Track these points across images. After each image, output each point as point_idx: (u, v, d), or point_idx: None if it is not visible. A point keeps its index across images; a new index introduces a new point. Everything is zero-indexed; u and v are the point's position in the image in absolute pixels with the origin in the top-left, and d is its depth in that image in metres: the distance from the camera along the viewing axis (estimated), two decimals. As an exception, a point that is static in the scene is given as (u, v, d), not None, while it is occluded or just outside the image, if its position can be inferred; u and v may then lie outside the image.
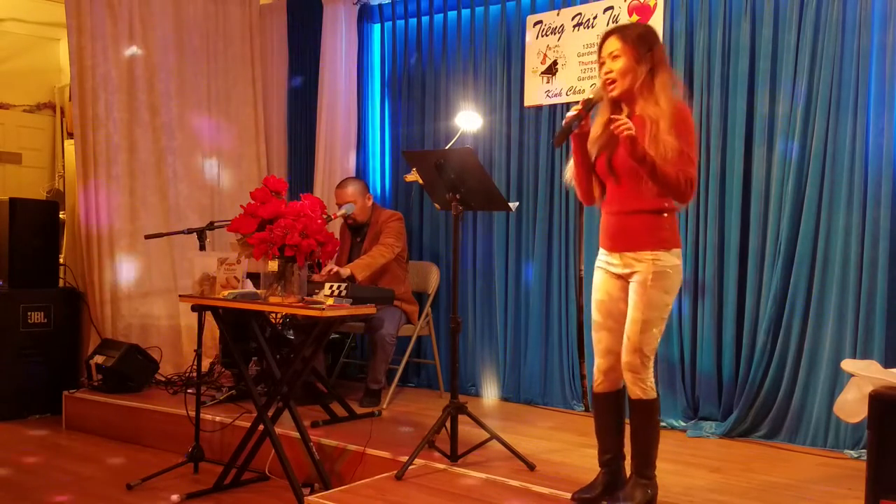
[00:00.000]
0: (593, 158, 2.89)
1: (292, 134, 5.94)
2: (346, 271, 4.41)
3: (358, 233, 4.90)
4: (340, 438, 3.78)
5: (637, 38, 2.76)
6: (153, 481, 3.74)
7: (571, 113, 2.79)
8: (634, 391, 2.85)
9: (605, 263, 2.94)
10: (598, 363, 2.97)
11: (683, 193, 2.75)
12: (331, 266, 4.39)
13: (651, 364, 2.84)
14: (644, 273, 2.79)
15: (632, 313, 2.82)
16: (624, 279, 2.88)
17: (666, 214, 2.82)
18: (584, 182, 2.95)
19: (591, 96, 2.83)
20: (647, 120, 2.73)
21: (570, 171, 2.98)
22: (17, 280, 5.10)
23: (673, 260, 2.82)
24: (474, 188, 3.48)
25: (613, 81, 2.78)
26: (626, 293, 2.87)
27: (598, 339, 2.96)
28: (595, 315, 2.96)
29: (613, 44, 2.78)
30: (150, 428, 4.48)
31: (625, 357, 2.84)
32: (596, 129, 2.87)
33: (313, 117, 5.69)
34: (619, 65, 2.76)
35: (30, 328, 5.05)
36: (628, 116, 2.79)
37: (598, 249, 3.00)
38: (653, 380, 2.86)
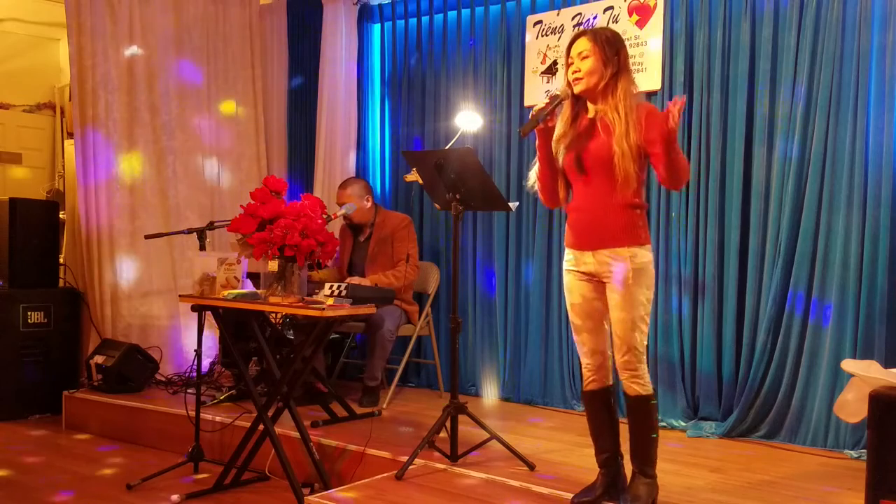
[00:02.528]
0: (560, 157, 2.91)
1: (292, 134, 5.94)
2: (367, 284, 4.47)
3: (360, 232, 4.90)
4: (340, 438, 3.78)
5: (606, 41, 2.84)
6: (153, 481, 3.74)
7: (539, 106, 2.84)
8: (633, 388, 2.85)
9: (573, 266, 2.94)
10: (587, 363, 2.97)
11: (684, 178, 2.81)
12: (356, 280, 4.47)
13: (645, 359, 2.85)
14: (623, 272, 2.80)
15: (618, 314, 2.82)
16: (596, 279, 2.88)
17: (639, 210, 2.85)
18: (549, 181, 2.97)
19: (558, 93, 2.89)
20: (605, 123, 2.82)
21: (533, 177, 3.02)
22: (17, 280, 5.10)
23: (648, 255, 2.85)
24: (474, 188, 3.48)
25: (579, 79, 2.84)
26: (600, 293, 2.88)
27: (582, 342, 2.96)
28: (573, 318, 2.97)
29: (583, 44, 2.85)
30: (150, 428, 4.48)
31: (620, 358, 2.85)
32: (560, 127, 2.91)
33: (313, 117, 5.69)
34: (587, 65, 2.83)
35: (30, 328, 5.05)
36: (591, 117, 2.88)
37: None
38: (648, 376, 2.87)
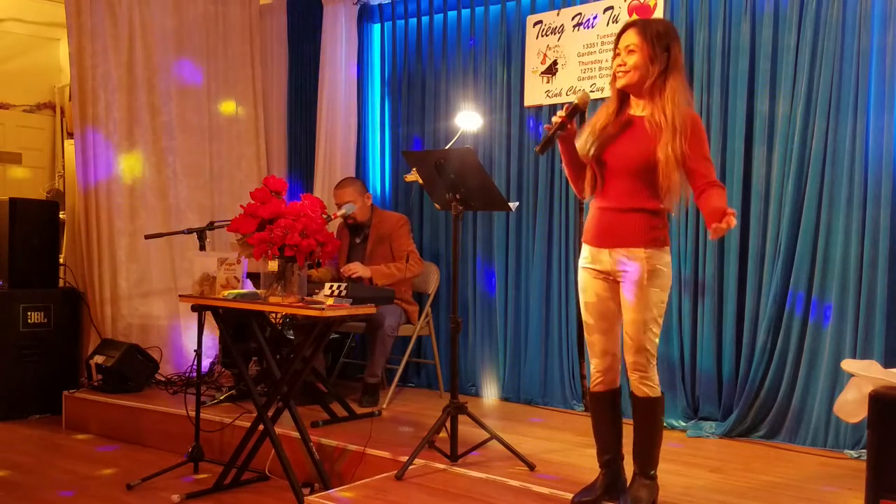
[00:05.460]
0: (593, 149, 2.81)
1: (292, 134, 5.94)
2: (367, 273, 4.44)
3: (357, 233, 4.90)
4: (340, 438, 3.78)
5: (655, 36, 2.73)
6: (153, 481, 3.74)
7: (555, 120, 2.77)
8: (641, 389, 2.84)
9: (589, 263, 2.89)
10: (596, 364, 2.95)
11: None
12: (354, 269, 4.43)
13: (655, 362, 2.83)
14: (639, 272, 2.77)
15: (630, 315, 2.80)
16: (611, 278, 2.85)
17: (661, 213, 2.81)
18: (575, 177, 2.93)
19: (576, 102, 2.82)
20: (652, 125, 2.73)
21: None
22: (17, 280, 5.10)
23: (665, 258, 2.81)
24: (474, 188, 3.48)
25: (623, 74, 2.76)
26: (614, 292, 2.85)
27: (593, 342, 2.93)
28: (586, 318, 2.93)
29: (631, 37, 2.75)
30: (150, 428, 4.48)
31: (630, 358, 2.82)
32: (602, 119, 2.82)
33: (313, 117, 5.69)
34: (632, 60, 2.73)
35: (30, 328, 5.05)
36: (634, 114, 2.79)
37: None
38: (657, 378, 2.86)
